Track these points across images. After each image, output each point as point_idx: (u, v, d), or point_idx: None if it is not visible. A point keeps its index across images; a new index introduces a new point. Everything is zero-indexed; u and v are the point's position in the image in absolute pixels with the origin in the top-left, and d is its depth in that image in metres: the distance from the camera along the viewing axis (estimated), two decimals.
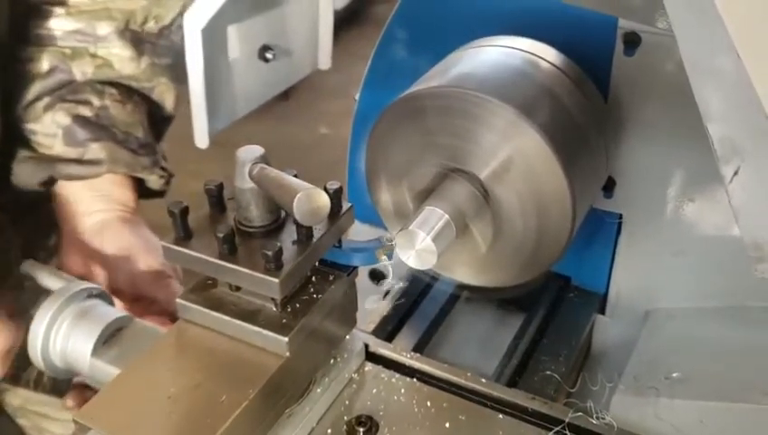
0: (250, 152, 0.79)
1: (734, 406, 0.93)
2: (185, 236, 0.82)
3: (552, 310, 1.16)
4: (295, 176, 0.85)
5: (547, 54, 0.96)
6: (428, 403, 0.92)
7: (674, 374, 0.96)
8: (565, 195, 0.87)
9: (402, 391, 0.95)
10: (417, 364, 0.98)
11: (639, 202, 1.06)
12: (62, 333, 1.00)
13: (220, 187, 0.85)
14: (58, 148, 1.20)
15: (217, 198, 0.85)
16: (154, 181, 1.25)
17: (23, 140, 1.22)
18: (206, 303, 0.85)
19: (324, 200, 0.75)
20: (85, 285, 1.06)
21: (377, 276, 1.26)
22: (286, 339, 0.81)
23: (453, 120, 0.89)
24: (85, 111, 1.19)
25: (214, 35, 0.89)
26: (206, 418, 0.77)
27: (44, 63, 1.17)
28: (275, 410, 0.85)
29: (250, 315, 0.84)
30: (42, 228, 1.34)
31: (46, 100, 1.19)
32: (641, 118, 0.99)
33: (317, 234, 0.83)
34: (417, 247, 0.83)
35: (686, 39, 0.65)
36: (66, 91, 1.19)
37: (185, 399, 0.79)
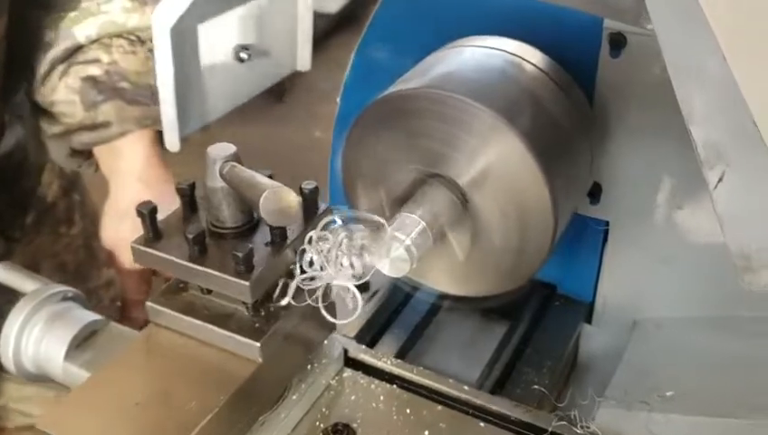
0: (221, 150, 0.77)
1: (723, 421, 0.91)
2: (154, 237, 0.80)
3: (537, 319, 1.13)
4: (270, 176, 0.83)
5: (531, 56, 0.93)
6: (408, 410, 0.90)
7: (667, 393, 0.94)
8: (546, 204, 0.84)
9: (381, 398, 0.92)
10: (397, 370, 0.96)
11: (626, 208, 1.03)
12: (35, 337, 0.99)
13: (192, 186, 0.83)
14: (79, 115, 1.21)
15: (189, 198, 0.83)
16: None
17: (48, 115, 1.24)
18: (177, 306, 0.83)
19: (292, 200, 0.73)
20: (60, 287, 1.05)
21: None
22: (258, 344, 0.79)
23: (432, 123, 0.86)
24: (95, 71, 1.19)
25: (184, 34, 0.86)
26: (173, 426, 0.75)
27: (51, 32, 1.19)
28: (248, 417, 0.83)
29: (222, 319, 0.81)
30: (17, 206, 1.34)
31: (60, 68, 1.20)
32: (628, 121, 0.96)
33: (291, 235, 0.80)
34: (391, 255, 0.81)
35: (669, 38, 0.63)
36: (77, 56, 1.20)
37: (153, 406, 0.77)
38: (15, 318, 0.99)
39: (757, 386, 0.94)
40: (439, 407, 0.91)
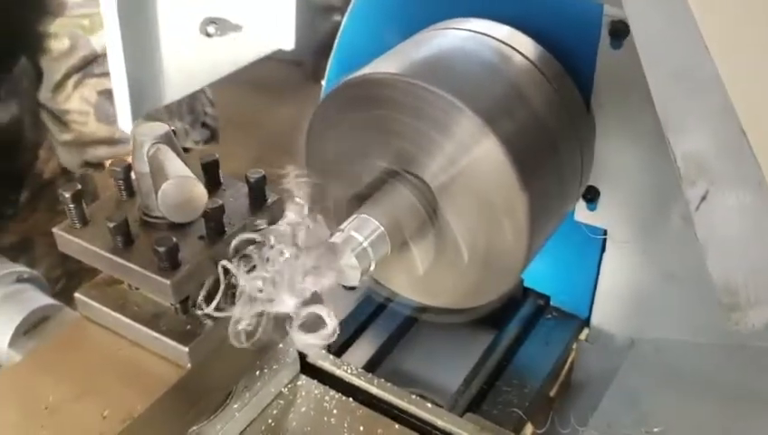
0: (150, 130, 0.69)
1: None
2: (80, 224, 0.72)
3: (526, 332, 1.03)
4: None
5: (522, 46, 0.83)
6: (361, 428, 0.82)
7: (655, 429, 0.84)
8: (522, 220, 0.74)
9: (335, 411, 0.84)
10: (357, 381, 0.88)
11: (626, 216, 0.92)
12: None
13: (127, 168, 0.74)
14: (92, 125, 1.22)
15: (125, 182, 0.75)
16: (191, 144, 1.28)
17: (59, 121, 1.24)
18: (107, 300, 0.76)
19: (198, 193, 0.64)
20: (13, 267, 0.98)
21: None
22: (186, 349, 0.71)
23: (404, 116, 0.77)
24: None
25: (139, 4, 0.77)
26: None
27: (65, 40, 1.19)
28: (177, 427, 0.75)
29: (152, 318, 0.74)
30: (10, 182, 1.33)
31: (75, 78, 1.20)
32: (629, 119, 0.85)
33: (231, 229, 0.72)
34: (343, 259, 0.71)
35: (645, 30, 0.53)
36: (93, 66, 1.21)
37: (62, 411, 0.69)
38: None
39: (757, 427, 0.84)
40: (397, 425, 0.83)
